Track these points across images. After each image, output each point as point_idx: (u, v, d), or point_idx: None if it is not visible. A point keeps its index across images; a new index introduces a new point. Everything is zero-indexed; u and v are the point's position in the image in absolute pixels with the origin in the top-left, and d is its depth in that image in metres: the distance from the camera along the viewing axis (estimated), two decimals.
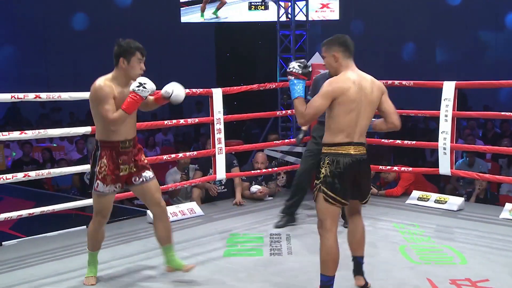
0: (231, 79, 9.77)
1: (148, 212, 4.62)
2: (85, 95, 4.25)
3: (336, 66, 2.98)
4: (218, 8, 10.33)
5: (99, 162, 3.16)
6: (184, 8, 10.79)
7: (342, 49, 2.96)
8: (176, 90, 3.21)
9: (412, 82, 5.28)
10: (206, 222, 4.72)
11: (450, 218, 4.79)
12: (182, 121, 5.15)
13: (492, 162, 7.37)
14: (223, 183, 5.52)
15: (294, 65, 3.03)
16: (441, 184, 6.72)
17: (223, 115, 5.01)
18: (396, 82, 5.26)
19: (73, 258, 3.82)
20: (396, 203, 5.27)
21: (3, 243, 4.12)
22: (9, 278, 3.47)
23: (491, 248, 3.97)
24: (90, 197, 4.64)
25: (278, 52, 8.27)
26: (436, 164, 5.21)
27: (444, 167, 4.99)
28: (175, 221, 4.65)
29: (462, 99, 6.27)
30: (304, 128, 4.65)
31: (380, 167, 5.43)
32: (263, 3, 10.21)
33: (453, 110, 4.92)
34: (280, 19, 8.50)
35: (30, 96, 3.95)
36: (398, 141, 5.39)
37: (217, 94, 4.94)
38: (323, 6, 10.20)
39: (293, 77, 3.00)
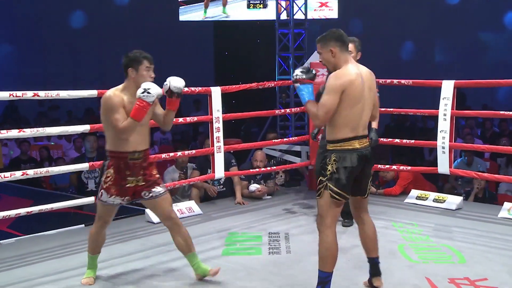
0: (230, 78, 9.76)
1: (147, 211, 4.63)
2: (83, 93, 4.25)
3: (335, 61, 2.97)
4: (224, 5, 10.29)
5: (106, 172, 3.17)
6: (182, 6, 10.77)
7: (339, 44, 2.96)
8: (171, 81, 3.16)
9: (411, 81, 5.28)
10: (204, 221, 4.71)
11: (449, 217, 4.79)
12: (181, 119, 5.14)
13: (490, 161, 7.37)
14: (221, 182, 5.52)
15: (297, 72, 3.01)
16: (440, 183, 6.72)
17: (222, 113, 5.00)
18: (395, 81, 5.26)
19: (71, 257, 3.82)
20: (394, 202, 5.27)
21: (1, 241, 4.11)
22: (7, 276, 3.46)
23: (490, 247, 3.97)
24: (87, 195, 4.67)
25: (276, 50, 8.26)
26: (434, 163, 5.22)
27: (443, 166, 4.99)
28: None
29: (461, 98, 6.28)
30: None
31: (379, 166, 5.43)
32: (261, 2, 10.19)
33: (452, 109, 4.92)
34: (279, 18, 8.49)
35: (29, 94, 3.94)
36: (397, 140, 5.39)
37: (216, 92, 4.93)
38: (322, 4, 10.19)
39: (299, 84, 2.99)
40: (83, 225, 4.56)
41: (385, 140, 5.49)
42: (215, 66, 11.41)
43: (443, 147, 4.96)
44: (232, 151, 5.46)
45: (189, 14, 10.74)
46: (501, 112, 5.16)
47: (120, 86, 3.15)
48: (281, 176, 6.03)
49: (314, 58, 6.27)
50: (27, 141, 8.03)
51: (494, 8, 13.37)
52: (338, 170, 2.90)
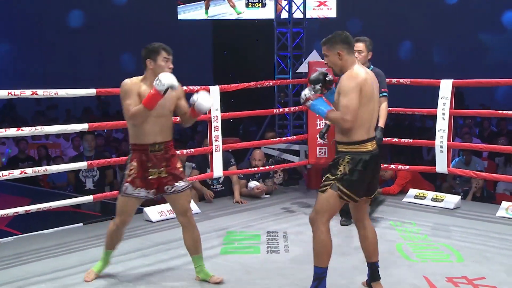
0: (228, 77, 9.76)
1: (145, 210, 4.62)
2: (81, 92, 4.24)
3: (342, 64, 2.95)
4: (233, 6, 10.23)
5: (129, 165, 3.17)
6: (181, 5, 10.77)
7: (346, 46, 2.94)
8: (200, 99, 3.14)
9: (409, 80, 5.28)
10: (203, 220, 4.71)
11: (447, 216, 4.80)
12: (179, 118, 5.13)
13: (488, 161, 7.38)
14: (220, 181, 5.52)
15: (305, 93, 2.98)
16: (438, 183, 6.73)
17: (220, 112, 5.00)
18: (394, 80, 5.26)
19: (69, 255, 3.82)
20: (393, 201, 5.27)
21: None
22: (5, 275, 3.45)
23: (488, 246, 3.97)
24: (85, 194, 4.66)
25: (275, 49, 8.26)
26: (433, 162, 5.23)
27: (441, 165, 5.00)
28: (172, 218, 4.63)
29: (459, 98, 6.27)
30: (328, 122, 4.50)
31: None
32: (260, 1, 10.19)
33: (450, 108, 4.93)
34: (278, 17, 8.49)
35: (27, 92, 3.93)
36: (395, 139, 5.39)
37: (214, 91, 4.93)
38: (320, 3, 10.20)
39: (310, 101, 2.96)
40: (81, 223, 4.56)
41: (383, 139, 5.49)
42: (214, 65, 11.41)
43: (441, 146, 4.96)
44: (230, 150, 5.46)
45: (188, 13, 10.74)
46: (499, 111, 5.17)
47: (141, 77, 3.17)
48: (279, 175, 6.04)
49: (313, 57, 6.29)
50: (25, 140, 8.01)
51: (493, 8, 13.40)
52: (352, 172, 2.88)
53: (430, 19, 13.34)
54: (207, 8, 10.41)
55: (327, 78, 3.01)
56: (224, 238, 4.21)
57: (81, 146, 8.13)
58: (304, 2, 8.27)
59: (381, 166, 5.15)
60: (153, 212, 4.64)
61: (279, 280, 3.35)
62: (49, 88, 4.06)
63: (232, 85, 5.16)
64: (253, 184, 5.46)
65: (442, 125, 4.95)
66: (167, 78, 2.98)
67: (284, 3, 8.36)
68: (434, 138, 5.04)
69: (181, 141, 8.44)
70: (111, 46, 13.26)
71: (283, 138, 6.03)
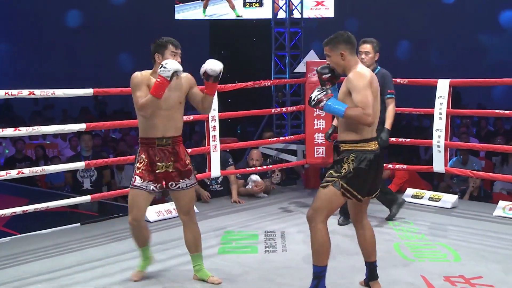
0: (226, 77, 9.72)
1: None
2: (79, 92, 4.24)
3: (345, 64, 2.93)
4: (232, 8, 10.22)
5: (139, 158, 3.18)
6: (178, 5, 10.76)
7: (349, 46, 2.93)
8: (209, 64, 3.15)
9: (406, 80, 5.29)
10: (200, 220, 4.67)
11: (444, 216, 4.80)
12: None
13: (485, 160, 7.39)
14: (219, 181, 5.52)
15: (316, 95, 2.91)
16: (435, 182, 6.74)
17: (218, 112, 4.99)
18: None
19: (66, 256, 3.81)
20: None
21: None
22: (2, 275, 3.45)
23: (485, 245, 3.98)
24: (83, 194, 4.66)
25: (272, 49, 8.25)
26: (430, 162, 5.23)
27: (438, 165, 5.01)
28: (169, 218, 4.64)
29: (456, 97, 6.30)
30: (334, 123, 4.52)
31: None
32: (258, 1, 10.19)
33: (447, 108, 4.94)
34: (275, 17, 8.48)
35: (24, 92, 3.93)
36: (393, 139, 5.39)
37: None
38: (318, 3, 10.20)
39: (323, 103, 2.90)
40: (78, 224, 4.55)
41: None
42: None
43: (439, 146, 4.97)
44: (228, 150, 5.46)
45: (185, 12, 10.72)
46: (496, 110, 5.18)
47: (150, 70, 3.18)
48: (277, 175, 6.04)
49: (310, 57, 6.29)
50: (22, 140, 7.99)
51: (490, 8, 13.43)
52: (355, 170, 2.87)
53: (428, 19, 13.37)
54: (205, 7, 10.39)
55: (335, 72, 2.97)
56: (222, 238, 4.21)
57: (79, 146, 8.13)
58: (301, 2, 8.26)
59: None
60: (151, 212, 4.63)
61: (277, 280, 3.35)
62: (46, 87, 4.06)
63: (230, 85, 5.16)
64: (254, 177, 5.44)
65: (440, 124, 4.96)
66: (171, 64, 2.99)
67: (281, 3, 8.35)
68: (431, 138, 5.05)
69: None
70: (108, 46, 13.25)
71: (281, 138, 6.03)
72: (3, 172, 3.97)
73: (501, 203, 4.83)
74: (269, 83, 5.71)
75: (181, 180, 3.20)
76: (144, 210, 3.24)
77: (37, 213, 4.14)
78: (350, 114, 2.84)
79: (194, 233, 3.29)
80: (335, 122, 4.45)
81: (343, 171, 2.89)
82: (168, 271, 3.50)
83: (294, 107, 6.36)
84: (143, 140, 3.19)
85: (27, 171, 4.10)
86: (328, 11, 10.23)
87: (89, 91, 4.22)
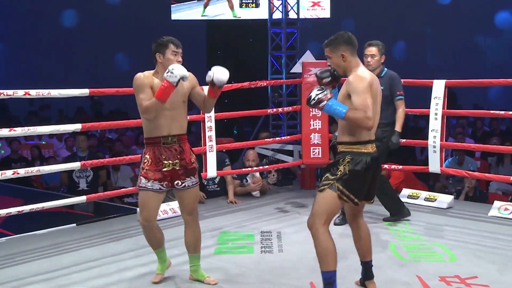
0: None
1: (139, 210, 4.60)
2: (74, 92, 4.23)
3: (346, 65, 2.89)
4: (231, 8, 10.21)
5: (144, 158, 3.17)
6: (174, 5, 10.74)
7: (350, 48, 2.88)
8: (217, 72, 3.14)
9: (402, 80, 5.28)
10: None
11: (440, 216, 4.82)
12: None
13: (481, 161, 7.42)
14: (216, 181, 5.52)
15: (316, 94, 2.84)
16: (431, 182, 6.75)
17: (214, 112, 4.99)
18: None
19: (62, 256, 3.81)
20: None
21: None
22: None
23: (480, 246, 4.00)
24: (79, 195, 4.65)
25: (269, 50, 8.25)
26: (426, 162, 5.25)
27: (434, 165, 5.02)
28: (166, 219, 4.64)
29: (452, 98, 6.29)
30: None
31: None
32: (254, 1, 10.19)
33: (443, 108, 4.95)
34: (271, 17, 8.49)
35: (20, 93, 3.92)
36: None
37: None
38: (314, 4, 10.20)
39: (324, 102, 2.83)
40: (74, 224, 4.54)
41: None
42: (207, 65, 11.36)
43: (434, 146, 4.98)
44: (225, 151, 5.46)
45: (181, 12, 10.71)
46: (492, 111, 5.20)
47: (152, 71, 3.17)
48: (273, 175, 6.04)
49: (306, 57, 6.30)
50: (18, 140, 7.97)
51: (486, 9, 13.46)
52: (351, 172, 2.83)
53: (424, 19, 13.40)
54: (205, 6, 10.37)
55: (336, 73, 2.93)
56: (218, 238, 4.21)
57: (74, 146, 8.11)
58: (297, 3, 8.27)
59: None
60: None
61: (273, 280, 3.36)
62: (42, 88, 4.05)
63: (226, 85, 5.14)
64: (254, 172, 5.44)
65: (435, 125, 4.97)
66: (178, 69, 2.98)
67: (277, 4, 8.36)
68: (427, 138, 5.06)
69: None
70: (104, 46, 13.22)
71: (277, 138, 6.04)
72: None
73: (496, 203, 4.85)
74: (265, 84, 5.71)
75: (187, 178, 3.19)
76: (154, 210, 3.23)
77: (33, 213, 4.14)
78: (351, 116, 2.78)
79: (195, 233, 3.29)
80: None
81: (339, 173, 2.85)
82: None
83: (291, 108, 6.37)
84: (149, 140, 3.17)
85: (22, 172, 4.09)
86: (324, 11, 10.24)
87: (85, 91, 4.21)
